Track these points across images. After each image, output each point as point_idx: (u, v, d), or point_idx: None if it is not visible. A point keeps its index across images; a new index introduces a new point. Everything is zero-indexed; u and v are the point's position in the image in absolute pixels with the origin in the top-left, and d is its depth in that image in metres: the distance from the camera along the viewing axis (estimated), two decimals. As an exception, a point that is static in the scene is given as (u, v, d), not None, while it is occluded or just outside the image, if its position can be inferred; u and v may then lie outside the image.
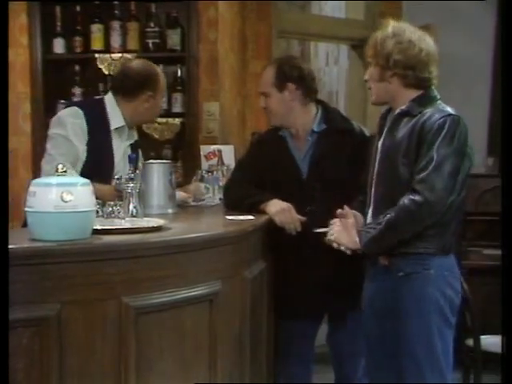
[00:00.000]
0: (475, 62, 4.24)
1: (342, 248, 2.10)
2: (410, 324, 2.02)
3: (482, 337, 2.73)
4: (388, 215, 2.00)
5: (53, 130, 2.46)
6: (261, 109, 3.53)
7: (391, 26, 2.07)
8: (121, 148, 2.55)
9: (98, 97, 2.73)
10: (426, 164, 1.96)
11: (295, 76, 2.48)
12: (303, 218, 2.36)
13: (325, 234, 2.15)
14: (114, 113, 2.51)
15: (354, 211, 2.16)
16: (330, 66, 5.73)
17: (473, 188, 3.87)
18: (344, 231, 2.10)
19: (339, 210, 2.14)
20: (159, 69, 2.66)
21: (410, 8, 4.30)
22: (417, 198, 1.95)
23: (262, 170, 2.53)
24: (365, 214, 2.16)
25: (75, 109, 2.49)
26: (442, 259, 2.03)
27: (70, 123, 2.43)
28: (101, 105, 2.53)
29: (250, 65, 3.99)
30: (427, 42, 2.07)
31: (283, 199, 2.39)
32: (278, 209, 2.37)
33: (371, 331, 2.16)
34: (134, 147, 2.64)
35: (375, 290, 2.13)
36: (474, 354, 2.72)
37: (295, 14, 4.80)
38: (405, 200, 1.98)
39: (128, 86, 2.55)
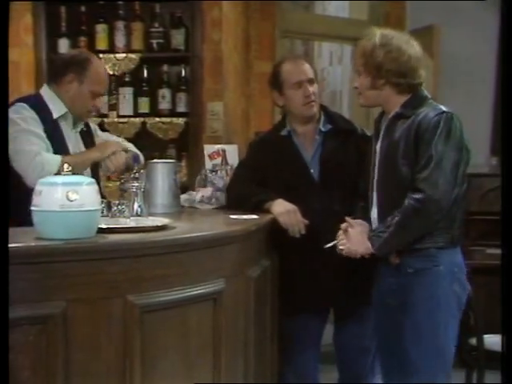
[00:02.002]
0: (479, 62, 4.25)
1: (357, 255, 2.12)
2: (418, 319, 2.04)
3: (485, 336, 2.74)
4: (396, 217, 2.02)
5: (11, 130, 2.27)
6: (265, 108, 3.54)
7: (378, 34, 2.10)
8: (71, 136, 2.49)
9: (33, 93, 2.65)
10: (426, 162, 1.99)
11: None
12: (307, 222, 2.37)
13: (335, 246, 2.18)
14: (53, 101, 2.44)
15: (359, 220, 2.19)
16: (334, 65, 5.74)
17: (476, 187, 3.88)
18: (354, 239, 2.12)
19: (344, 224, 2.17)
20: (94, 57, 2.53)
21: (414, 8, 4.30)
22: (421, 196, 1.98)
23: (266, 170, 2.53)
24: (368, 219, 2.18)
25: (19, 104, 2.39)
26: (451, 255, 2.06)
27: (20, 119, 2.34)
28: (39, 98, 2.46)
29: (253, 65, 4.00)
30: (415, 48, 2.10)
31: (291, 199, 2.40)
32: (282, 210, 2.37)
33: (382, 328, 2.17)
34: (84, 136, 2.57)
35: (386, 287, 2.15)
36: (477, 353, 2.73)
37: (299, 14, 4.81)
38: (409, 200, 2.00)
39: (54, 69, 2.52)
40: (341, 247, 2.15)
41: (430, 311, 2.04)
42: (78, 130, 2.54)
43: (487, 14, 4.28)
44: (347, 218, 2.19)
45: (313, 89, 2.49)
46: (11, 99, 3.45)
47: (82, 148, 2.52)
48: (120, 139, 2.72)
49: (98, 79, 2.46)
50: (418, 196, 1.98)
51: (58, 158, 2.30)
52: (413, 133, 2.03)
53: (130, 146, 2.61)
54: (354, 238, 2.12)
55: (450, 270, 2.05)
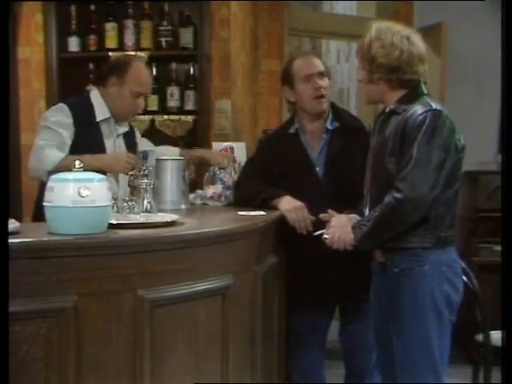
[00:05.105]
0: (487, 60, 4.23)
1: (339, 246, 2.13)
2: (405, 319, 2.03)
3: (492, 332, 2.74)
4: (376, 212, 2.03)
5: (40, 124, 2.57)
6: (272, 106, 3.54)
7: (375, 28, 2.08)
8: (111, 140, 2.62)
9: (85, 93, 2.83)
10: (407, 161, 1.96)
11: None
12: (314, 218, 2.38)
13: (322, 234, 2.19)
14: (99, 105, 2.59)
15: (352, 215, 2.20)
16: (341, 63, 5.75)
17: (484, 185, 3.88)
18: (339, 229, 2.13)
19: (323, 214, 2.21)
20: (136, 60, 2.69)
21: (422, 7, 4.30)
22: (398, 195, 1.96)
23: (274, 167, 2.54)
24: (362, 215, 2.17)
25: (59, 105, 2.60)
26: (438, 255, 2.03)
27: (51, 116, 2.54)
28: (87, 100, 2.62)
29: (261, 63, 4.02)
30: (412, 43, 2.05)
31: (297, 197, 2.41)
32: (290, 206, 2.39)
33: (377, 326, 2.18)
34: (127, 138, 2.70)
35: (377, 286, 2.15)
36: (484, 350, 2.73)
37: (307, 13, 4.83)
38: (389, 197, 1.99)
39: (101, 73, 2.71)
40: (325, 236, 2.16)
41: (415, 310, 2.01)
42: (121, 132, 2.66)
43: (495, 12, 4.28)
44: (329, 210, 2.20)
45: (323, 82, 2.50)
46: (22, 96, 3.53)
47: (123, 150, 2.63)
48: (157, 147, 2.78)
49: (138, 80, 2.57)
50: (396, 195, 1.96)
51: (60, 155, 2.42)
52: (399, 130, 2.00)
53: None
54: (338, 227, 2.13)
55: (437, 269, 2.02)
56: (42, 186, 2.25)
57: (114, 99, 2.57)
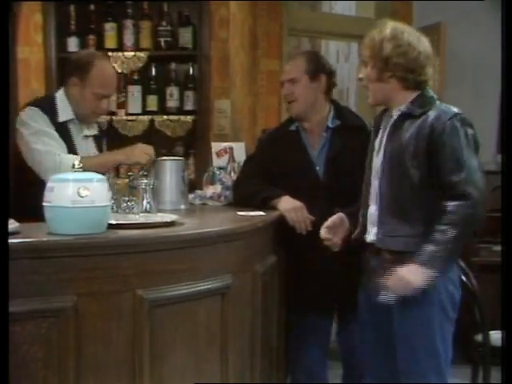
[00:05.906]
0: (486, 60, 4.24)
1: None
2: (411, 316, 2.02)
3: (491, 332, 2.74)
4: (448, 232, 1.92)
5: (25, 132, 2.39)
6: (271, 106, 3.53)
7: (389, 27, 2.06)
8: (80, 141, 2.51)
9: (49, 95, 2.70)
10: (458, 166, 1.95)
11: (327, 69, 2.55)
12: (313, 218, 2.38)
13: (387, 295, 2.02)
14: (63, 106, 2.46)
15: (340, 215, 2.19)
16: (341, 63, 5.76)
17: (483, 185, 3.88)
18: (406, 275, 1.95)
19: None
20: (99, 59, 2.51)
21: (421, 7, 4.31)
22: (469, 201, 1.93)
23: (273, 165, 2.54)
24: (362, 212, 2.14)
25: (31, 108, 2.44)
26: None
27: (34, 120, 2.38)
28: (52, 101, 2.47)
29: (260, 63, 4.03)
30: (425, 44, 2.07)
31: (297, 196, 2.41)
32: (289, 206, 2.39)
33: (372, 325, 2.15)
34: (98, 140, 2.62)
35: (376, 285, 2.10)
36: (483, 350, 2.73)
37: (306, 13, 4.83)
38: (454, 208, 1.93)
39: (64, 72, 2.58)
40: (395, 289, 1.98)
41: (423, 307, 2.00)
42: (89, 134, 2.56)
43: (495, 12, 4.28)
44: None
45: (291, 88, 2.51)
46: (21, 96, 3.53)
47: (95, 152, 2.55)
48: None
49: (102, 81, 2.44)
50: (465, 202, 1.93)
51: (76, 158, 2.28)
52: (425, 135, 1.99)
53: None
54: (406, 274, 1.96)
55: None
56: (30, 184, 2.21)
57: (76, 100, 2.44)
